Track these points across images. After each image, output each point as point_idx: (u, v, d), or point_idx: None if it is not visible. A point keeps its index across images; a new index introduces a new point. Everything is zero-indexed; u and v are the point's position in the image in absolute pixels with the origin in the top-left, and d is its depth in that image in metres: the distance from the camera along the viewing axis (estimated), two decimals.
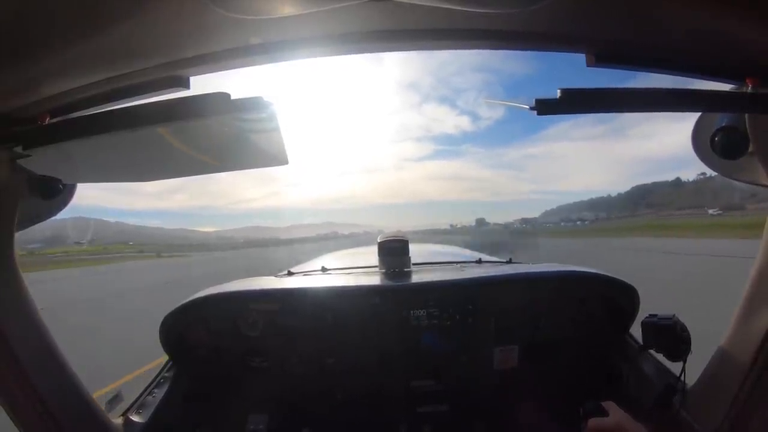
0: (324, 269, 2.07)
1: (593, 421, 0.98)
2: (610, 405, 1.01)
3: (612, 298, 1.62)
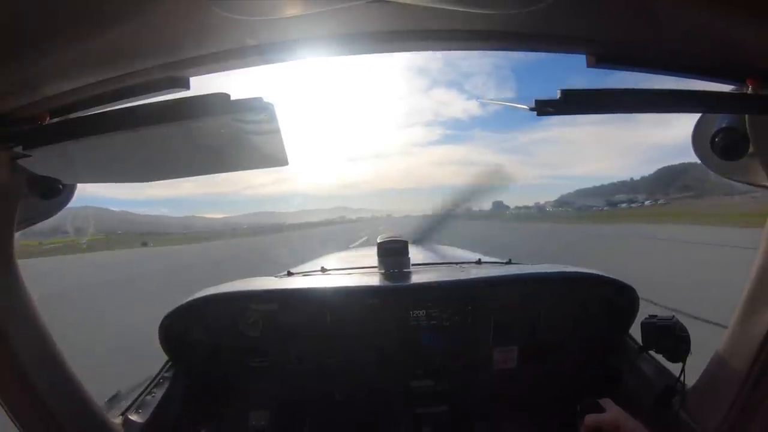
0: (323, 269, 2.08)
1: (590, 417, 1.00)
2: (606, 402, 1.03)
3: (611, 298, 1.62)
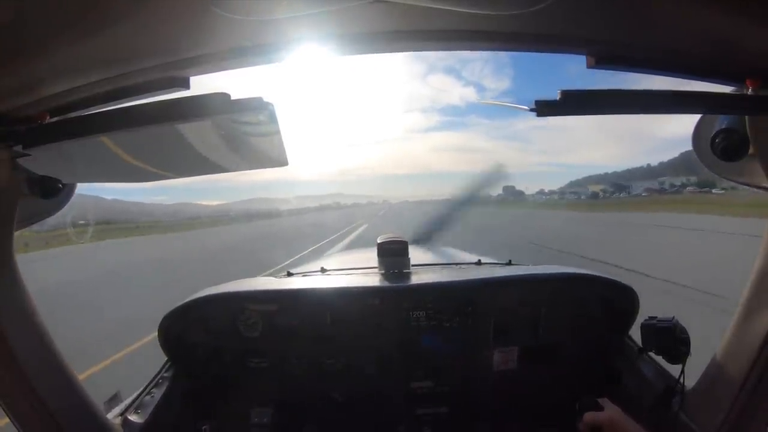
0: (323, 270, 2.08)
1: (588, 415, 1.03)
2: (605, 401, 1.06)
3: (611, 299, 1.62)
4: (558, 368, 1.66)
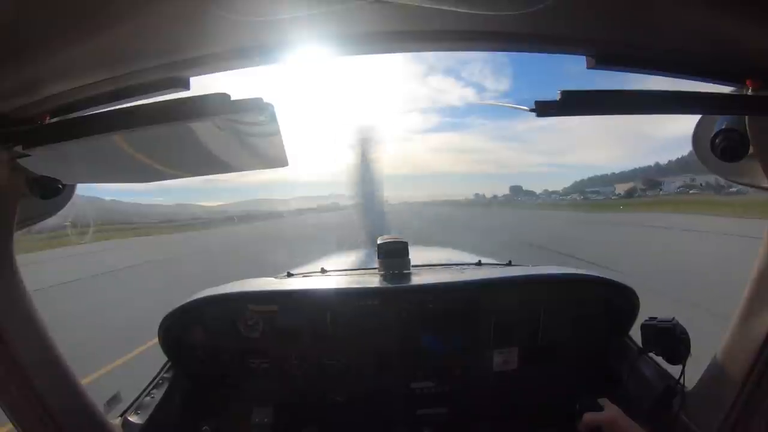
0: (323, 270, 2.08)
1: (588, 415, 1.03)
2: (604, 401, 1.06)
3: (611, 300, 1.62)
4: (558, 369, 1.66)
